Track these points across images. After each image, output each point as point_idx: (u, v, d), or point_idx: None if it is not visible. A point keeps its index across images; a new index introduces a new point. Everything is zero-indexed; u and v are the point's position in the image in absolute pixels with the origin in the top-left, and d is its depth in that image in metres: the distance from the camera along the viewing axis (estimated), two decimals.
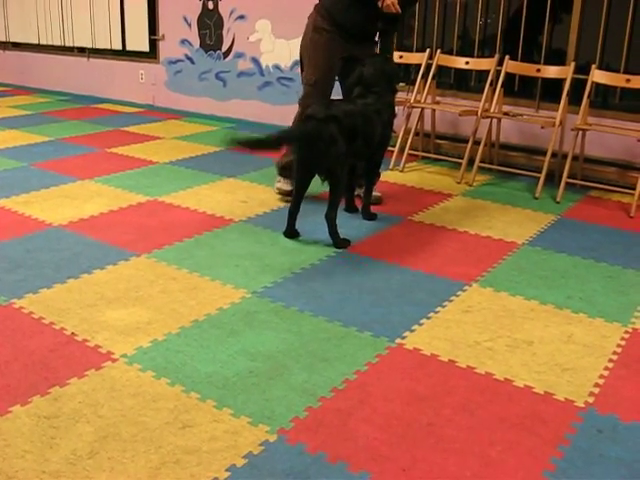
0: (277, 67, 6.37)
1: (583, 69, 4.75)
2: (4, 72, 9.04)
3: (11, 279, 3.10)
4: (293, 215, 3.67)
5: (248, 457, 1.96)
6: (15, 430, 2.05)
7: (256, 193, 4.49)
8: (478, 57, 5.33)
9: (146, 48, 7.45)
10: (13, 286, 3.03)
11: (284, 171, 4.19)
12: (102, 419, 2.12)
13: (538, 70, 4.90)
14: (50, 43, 8.32)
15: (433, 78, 5.29)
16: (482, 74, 5.30)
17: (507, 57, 4.96)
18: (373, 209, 4.05)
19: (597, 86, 4.79)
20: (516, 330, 2.75)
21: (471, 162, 4.90)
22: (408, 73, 5.82)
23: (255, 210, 4.13)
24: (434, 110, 5.38)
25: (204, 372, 2.39)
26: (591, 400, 2.29)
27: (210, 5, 6.75)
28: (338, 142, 3.46)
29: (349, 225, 3.85)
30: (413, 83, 5.39)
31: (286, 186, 4.19)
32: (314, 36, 3.98)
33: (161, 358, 2.47)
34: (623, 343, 2.67)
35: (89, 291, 3.00)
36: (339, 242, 3.57)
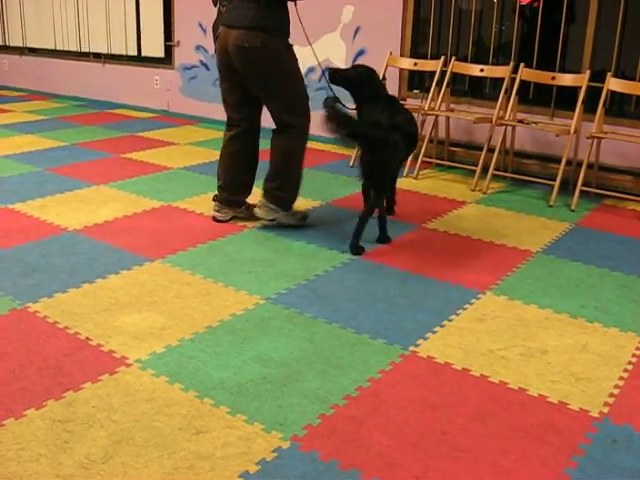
0: None
1: (598, 77, 4.74)
2: (21, 77, 9.11)
3: (26, 283, 3.12)
4: (360, 231, 3.61)
5: (261, 463, 1.96)
6: (30, 434, 2.07)
7: None
8: (493, 64, 5.32)
9: (161, 54, 7.49)
10: (28, 290, 3.05)
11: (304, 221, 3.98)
12: (116, 424, 2.13)
13: (553, 78, 4.88)
14: (66, 49, 8.38)
15: (447, 85, 5.28)
16: (497, 81, 5.29)
17: (522, 65, 4.95)
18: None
19: (612, 94, 4.77)
20: (530, 339, 2.74)
21: (485, 170, 4.89)
22: (423, 80, 5.83)
23: None
24: (448, 117, 5.38)
25: (217, 378, 2.39)
26: (606, 410, 2.27)
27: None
28: (401, 150, 3.61)
29: (364, 232, 3.86)
30: (427, 90, 5.40)
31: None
32: (288, 63, 3.67)
33: (175, 363, 2.48)
34: (638, 353, 2.66)
35: (103, 296, 3.02)
36: (356, 246, 3.57)
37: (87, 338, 2.64)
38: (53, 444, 2.02)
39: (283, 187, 3.82)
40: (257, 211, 3.89)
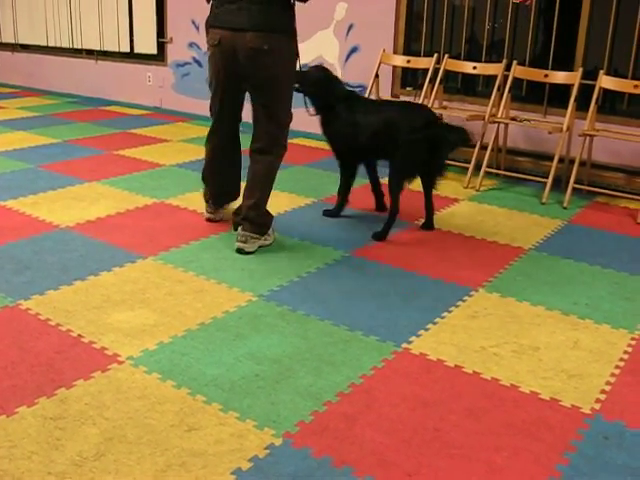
0: None
1: (591, 75, 4.75)
2: (13, 74, 9.07)
3: (18, 280, 3.11)
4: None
5: (254, 461, 1.96)
6: (21, 431, 2.06)
7: None
8: (486, 62, 5.32)
9: (154, 51, 7.47)
10: (20, 287, 3.04)
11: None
12: (108, 421, 2.12)
13: (546, 75, 4.89)
14: (59, 45, 8.34)
15: (440, 83, 5.29)
16: (490, 79, 5.30)
17: (515, 62, 4.96)
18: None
19: (605, 92, 4.78)
20: (522, 336, 2.75)
21: (478, 167, 4.90)
22: (416, 78, 5.83)
23: None
24: (441, 115, 5.37)
25: (210, 375, 2.39)
26: (597, 407, 2.28)
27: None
28: None
29: (357, 229, 3.86)
30: (420, 88, 5.40)
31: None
32: (293, 70, 3.55)
33: (167, 361, 2.47)
34: (629, 350, 2.67)
35: (95, 293, 3.01)
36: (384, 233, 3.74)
37: (79, 335, 2.63)
38: (45, 441, 2.02)
39: (265, 213, 3.59)
40: (244, 246, 3.49)
